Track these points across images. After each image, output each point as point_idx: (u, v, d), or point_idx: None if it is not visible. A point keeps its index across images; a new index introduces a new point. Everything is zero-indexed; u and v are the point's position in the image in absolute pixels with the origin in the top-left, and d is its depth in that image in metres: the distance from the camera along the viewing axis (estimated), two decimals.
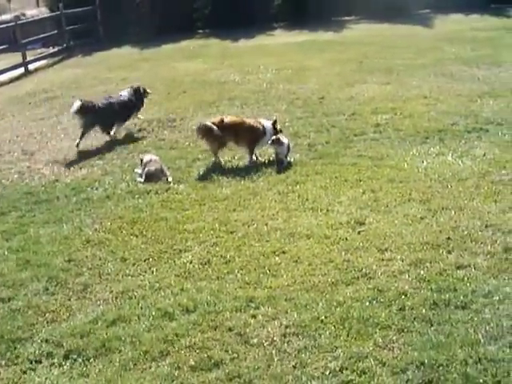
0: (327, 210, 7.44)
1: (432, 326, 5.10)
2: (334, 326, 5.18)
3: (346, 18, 28.24)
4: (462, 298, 5.43)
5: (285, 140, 9.17)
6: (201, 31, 27.95)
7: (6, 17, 54.84)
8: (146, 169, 9.07)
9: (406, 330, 5.07)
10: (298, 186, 8.27)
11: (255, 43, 22.87)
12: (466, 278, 5.73)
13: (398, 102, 12.12)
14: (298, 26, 25.82)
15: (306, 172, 8.77)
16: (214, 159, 9.55)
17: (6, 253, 7.16)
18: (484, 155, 8.93)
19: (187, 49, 22.59)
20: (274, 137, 9.24)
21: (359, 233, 6.81)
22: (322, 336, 5.09)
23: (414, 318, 5.20)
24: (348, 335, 5.06)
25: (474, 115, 10.89)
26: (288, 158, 9.19)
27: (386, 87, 13.61)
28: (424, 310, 5.29)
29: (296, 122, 11.27)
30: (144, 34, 27.52)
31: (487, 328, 5.00)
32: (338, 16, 28.12)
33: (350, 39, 21.94)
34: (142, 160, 9.30)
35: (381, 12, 26.40)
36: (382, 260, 6.19)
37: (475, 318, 5.14)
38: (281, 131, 9.54)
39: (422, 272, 5.89)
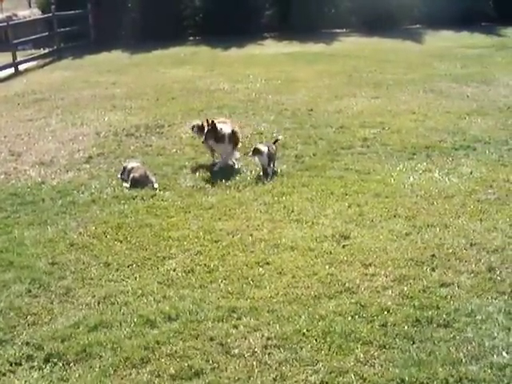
0: (312, 223, 7.45)
1: (414, 343, 5.10)
2: (316, 340, 5.17)
3: (337, 30, 28.41)
4: (444, 316, 5.43)
5: (264, 149, 9.14)
6: (191, 38, 28.00)
7: None
8: (131, 175, 9.05)
9: (387, 346, 5.07)
10: (283, 198, 8.27)
11: (245, 52, 22.95)
12: (449, 296, 5.74)
13: (387, 117, 12.18)
14: (288, 36, 25.92)
15: (292, 184, 8.78)
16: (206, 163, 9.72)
17: None
18: (471, 173, 8.97)
19: (177, 55, 22.61)
20: (253, 147, 9.28)
21: (344, 247, 6.82)
22: (304, 349, 5.08)
23: (396, 335, 5.20)
24: (329, 349, 5.05)
25: (461, 133, 10.95)
26: (272, 167, 9.18)
27: (374, 101, 13.68)
28: (406, 327, 5.29)
29: (284, 132, 11.26)
30: (134, 38, 27.60)
31: (469, 347, 5.01)
32: (328, 28, 28.27)
33: (339, 52, 22.03)
34: (125, 168, 9.28)
35: (370, 25, 26.62)
36: (366, 275, 6.20)
37: (457, 337, 5.15)
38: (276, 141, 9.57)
39: (405, 288, 5.90)
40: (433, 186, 8.52)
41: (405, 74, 16.80)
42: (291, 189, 8.58)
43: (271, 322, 5.47)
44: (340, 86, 15.44)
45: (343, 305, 5.67)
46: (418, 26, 28.75)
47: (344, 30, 28.58)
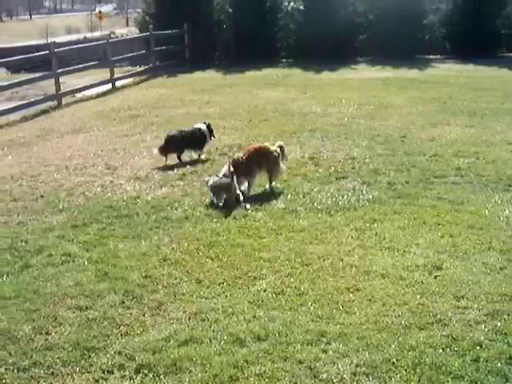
0: (404, 251, 7.39)
1: (507, 381, 4.97)
2: (406, 370, 5.12)
3: (431, 56, 28.15)
4: None
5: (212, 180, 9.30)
6: (284, 60, 28.21)
7: (96, 33, 56.65)
8: (216, 179, 9.29)
9: (479, 382, 4.96)
10: (375, 224, 8.24)
11: (338, 76, 22.99)
12: None
13: (482, 147, 11.98)
14: (381, 61, 25.88)
15: (384, 211, 8.74)
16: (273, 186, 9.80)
17: (86, 263, 7.36)
18: None
19: (270, 77, 22.82)
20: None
21: (435, 277, 6.73)
22: (393, 379, 5.04)
23: (489, 371, 5.08)
24: (419, 381, 4.99)
25: None
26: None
27: (469, 130, 13.47)
28: (499, 364, 5.16)
29: (376, 158, 11.26)
30: (228, 59, 28.05)
31: None
32: (422, 54, 28.07)
33: (433, 78, 21.83)
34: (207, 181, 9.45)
35: (465, 51, 26.32)
36: (458, 307, 6.10)
37: None
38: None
39: (498, 324, 5.77)
40: None
41: (501, 103, 16.51)
42: (383, 216, 8.54)
43: (360, 349, 5.44)
44: (433, 114, 15.29)
45: (434, 336, 5.60)
46: None
47: (438, 56, 28.31)
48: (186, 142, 11.81)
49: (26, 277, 7.07)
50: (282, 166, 9.87)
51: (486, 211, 8.62)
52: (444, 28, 28.72)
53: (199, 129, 11.98)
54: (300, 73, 24.18)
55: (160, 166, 11.37)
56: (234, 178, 9.16)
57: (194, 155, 11.97)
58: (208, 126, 12.03)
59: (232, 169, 9.24)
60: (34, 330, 5.93)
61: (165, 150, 11.60)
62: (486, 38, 26.57)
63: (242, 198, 9.16)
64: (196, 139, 11.88)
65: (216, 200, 9.19)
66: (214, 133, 12.23)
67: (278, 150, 9.80)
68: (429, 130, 13.50)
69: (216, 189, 9.24)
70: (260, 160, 9.63)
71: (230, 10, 28.66)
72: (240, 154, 9.77)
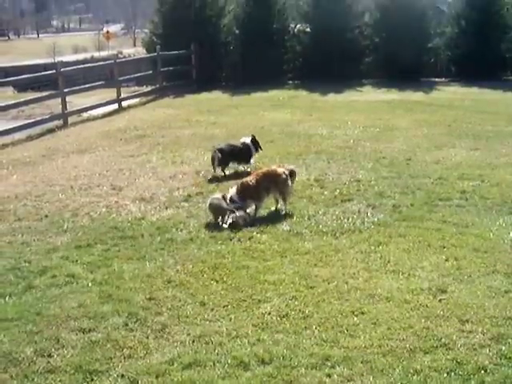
0: (409, 274, 7.37)
1: None
2: None
3: (436, 79, 28.23)
4: None
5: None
6: (290, 82, 28.30)
7: (103, 53, 56.99)
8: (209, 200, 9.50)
9: None
10: (380, 247, 8.23)
11: (344, 98, 23.02)
12: None
13: (486, 170, 11.98)
14: (387, 84, 25.93)
15: (389, 233, 8.73)
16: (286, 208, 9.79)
17: (90, 284, 7.35)
18: None
19: (276, 98, 22.88)
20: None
21: (440, 301, 6.71)
22: None
23: None
24: None
25: None
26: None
27: (474, 153, 13.48)
28: None
29: (381, 181, 11.27)
30: (235, 80, 28.16)
31: None
32: (427, 77, 28.17)
33: (439, 101, 21.86)
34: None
35: (470, 75, 26.42)
36: (463, 331, 6.07)
37: None
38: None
39: (503, 348, 5.75)
40: None
41: (505, 126, 16.53)
42: (388, 238, 8.53)
43: (365, 373, 5.42)
44: (439, 136, 15.30)
45: (439, 360, 5.58)
46: None
47: (443, 79, 28.40)
48: (231, 156, 12.13)
49: (29, 298, 7.06)
50: (291, 186, 9.88)
51: (491, 234, 8.61)
52: (449, 51, 28.81)
53: (244, 143, 12.29)
54: (306, 95, 24.24)
55: (166, 187, 11.36)
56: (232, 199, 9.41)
57: (241, 168, 12.32)
58: (253, 140, 12.32)
59: (239, 191, 9.43)
60: (35, 352, 5.91)
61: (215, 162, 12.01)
62: (490, 62, 26.66)
63: (230, 220, 9.17)
64: (242, 153, 12.21)
65: (215, 221, 9.29)
66: (261, 145, 12.52)
67: (286, 171, 9.81)
68: (434, 152, 13.51)
69: (210, 208, 9.38)
70: (268, 184, 9.65)
71: (237, 32, 28.81)
72: (249, 178, 9.80)
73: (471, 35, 27.02)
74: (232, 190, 9.61)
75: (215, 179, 11.79)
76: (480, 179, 11.30)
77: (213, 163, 12.00)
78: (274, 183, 9.66)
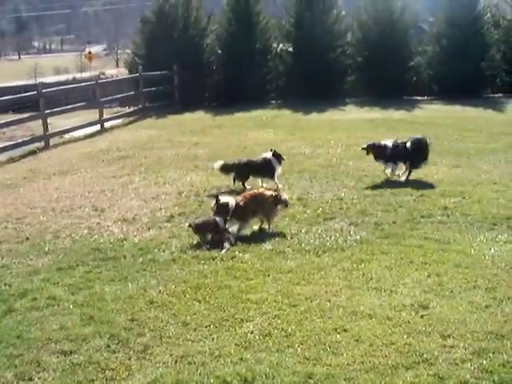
0: (391, 291, 7.38)
1: None
2: None
3: (418, 97, 28.46)
4: None
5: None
6: (273, 101, 28.43)
7: (86, 74, 56.98)
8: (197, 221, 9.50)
9: None
10: (362, 265, 8.23)
11: (327, 117, 23.16)
12: None
13: (468, 186, 12.05)
14: (369, 102, 26.19)
15: (371, 251, 8.74)
16: (271, 228, 9.79)
17: (71, 307, 7.29)
18: None
19: (259, 118, 22.95)
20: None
21: (422, 317, 6.71)
22: None
23: None
24: None
25: None
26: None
27: (455, 170, 13.58)
28: None
29: (364, 199, 11.31)
30: (217, 100, 28.27)
31: None
32: (409, 95, 28.41)
33: (421, 119, 22.05)
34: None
35: (451, 93, 26.64)
36: (444, 346, 6.08)
37: None
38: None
39: (484, 362, 5.75)
40: None
41: (486, 143, 16.67)
42: (370, 256, 8.54)
43: None
44: None
45: (421, 376, 5.57)
46: (499, 94, 28.64)
47: (425, 97, 28.64)
48: (251, 171, 12.50)
49: (9, 321, 6.99)
50: (277, 209, 9.90)
51: (472, 250, 8.65)
52: (430, 70, 29.07)
53: (265, 158, 12.49)
54: (289, 114, 24.36)
55: (148, 208, 11.34)
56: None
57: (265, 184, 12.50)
58: (274, 154, 12.50)
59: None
60: (16, 376, 5.86)
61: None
62: (471, 80, 26.93)
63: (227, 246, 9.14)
64: (263, 168, 12.44)
65: (200, 240, 9.26)
66: (283, 156, 12.76)
67: (274, 194, 9.82)
68: (416, 170, 13.54)
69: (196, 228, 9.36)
70: (256, 207, 9.66)
71: (220, 52, 28.96)
72: (237, 198, 9.77)
73: (452, 54, 27.34)
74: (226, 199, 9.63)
75: (197, 200, 11.76)
76: (461, 196, 11.36)
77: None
78: (261, 206, 9.68)
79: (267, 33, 29.20)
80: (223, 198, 9.62)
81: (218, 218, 9.37)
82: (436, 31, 29.20)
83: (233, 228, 9.57)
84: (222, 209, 9.45)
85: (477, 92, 27.69)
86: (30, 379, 5.80)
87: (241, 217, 9.60)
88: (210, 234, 9.26)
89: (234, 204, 9.53)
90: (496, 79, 29.17)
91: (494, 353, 5.93)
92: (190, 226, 9.38)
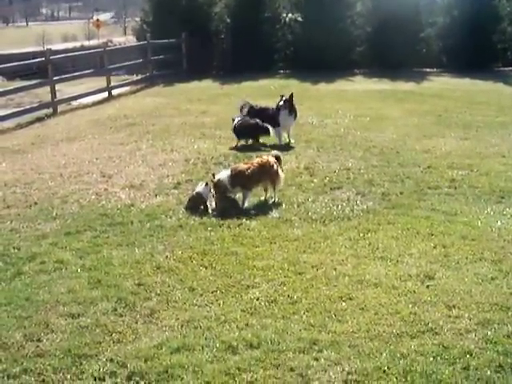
0: (397, 261, 7.41)
1: None
2: (396, 378, 5.14)
3: (427, 69, 28.29)
4: None
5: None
6: (281, 71, 28.28)
7: (93, 42, 56.82)
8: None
9: None
10: (369, 234, 8.27)
11: (335, 88, 23.04)
12: None
13: (475, 159, 12.03)
14: (378, 73, 26.03)
15: (378, 221, 8.76)
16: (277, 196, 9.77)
17: (79, 270, 7.36)
18: None
19: (267, 87, 22.80)
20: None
21: (428, 287, 6.75)
22: None
23: (478, 379, 5.10)
24: None
25: None
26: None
27: (463, 143, 13.54)
28: (489, 372, 5.18)
29: (371, 169, 11.31)
30: (225, 69, 28.13)
31: None
32: (419, 67, 28.22)
33: (430, 91, 21.92)
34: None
35: (461, 65, 26.48)
36: (449, 316, 6.12)
37: None
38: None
39: (489, 333, 5.79)
40: None
41: (496, 117, 16.60)
42: (377, 226, 8.57)
43: (352, 357, 5.46)
44: (429, 126, 15.36)
45: (425, 345, 5.62)
46: (510, 68, 28.43)
47: (435, 69, 28.45)
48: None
49: (18, 284, 7.06)
50: (282, 174, 9.83)
51: (479, 222, 8.66)
52: (441, 41, 28.81)
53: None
54: (297, 84, 24.19)
55: (155, 175, 11.36)
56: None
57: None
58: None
59: (232, 176, 9.43)
60: (25, 336, 5.92)
61: None
62: (482, 52, 26.68)
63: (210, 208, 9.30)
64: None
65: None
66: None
67: (275, 159, 9.79)
68: (424, 141, 13.56)
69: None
70: (261, 176, 9.59)
71: (228, 20, 28.75)
72: (244, 166, 9.67)
73: (463, 26, 27.00)
74: (224, 173, 9.55)
75: (204, 167, 11.77)
76: (469, 168, 11.34)
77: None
78: (267, 175, 9.62)
79: (276, 2, 28.95)
80: (218, 175, 9.55)
81: (201, 190, 9.39)
82: (447, 2, 28.86)
83: (238, 196, 9.58)
84: (217, 188, 9.44)
85: (487, 65, 27.48)
86: (39, 340, 5.86)
87: (245, 184, 9.55)
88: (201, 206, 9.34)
89: (228, 176, 9.45)
90: (507, 52, 28.92)
91: (498, 324, 5.96)
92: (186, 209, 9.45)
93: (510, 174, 11.01)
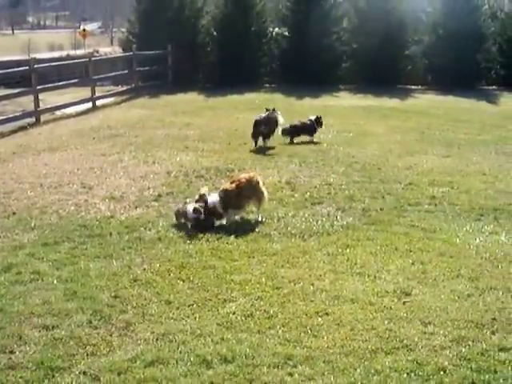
0: (374, 277, 7.41)
1: None
2: None
3: (412, 86, 28.48)
4: (502, 381, 5.31)
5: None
6: (267, 85, 28.37)
7: (80, 51, 56.70)
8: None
9: None
10: (347, 250, 8.26)
11: (320, 103, 23.11)
12: (507, 361, 5.60)
13: (456, 176, 12.09)
14: (363, 89, 26.20)
15: (357, 236, 8.77)
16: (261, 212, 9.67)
17: (55, 282, 7.29)
18: None
19: (252, 101, 22.87)
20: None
21: (404, 303, 6.75)
22: None
23: None
24: None
25: None
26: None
27: (445, 160, 13.61)
28: None
29: (352, 185, 11.32)
30: (211, 82, 28.18)
31: None
32: (403, 84, 28.41)
33: (414, 108, 22.09)
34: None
35: (445, 83, 26.67)
36: (425, 333, 6.12)
37: None
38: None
39: (463, 350, 5.80)
40: (498, 248, 8.37)
41: (478, 135, 16.72)
42: (356, 241, 8.57)
43: (326, 373, 5.44)
44: (412, 143, 15.44)
45: (400, 361, 5.61)
46: (494, 87, 28.68)
47: (420, 86, 28.67)
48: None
49: None
50: (265, 192, 9.73)
51: (457, 239, 8.69)
52: (426, 59, 29.04)
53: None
54: (282, 98, 24.28)
55: (136, 186, 11.32)
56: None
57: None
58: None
59: (222, 200, 9.29)
60: None
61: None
62: (466, 71, 26.95)
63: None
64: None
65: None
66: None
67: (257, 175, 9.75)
68: (406, 158, 13.61)
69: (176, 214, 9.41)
70: (250, 193, 9.46)
71: (215, 33, 28.83)
72: (231, 186, 9.48)
73: (448, 44, 27.27)
74: (213, 198, 9.38)
75: (186, 180, 11.75)
76: (450, 186, 11.39)
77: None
78: (254, 191, 9.51)
79: (263, 16, 29.13)
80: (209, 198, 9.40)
81: (187, 208, 9.26)
82: (433, 21, 29.08)
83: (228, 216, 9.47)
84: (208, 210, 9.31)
85: (471, 83, 27.70)
86: (11, 352, 5.79)
87: (237, 205, 9.43)
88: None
89: (218, 200, 9.30)
90: (491, 71, 29.19)
91: (473, 341, 5.97)
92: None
93: (489, 191, 11.06)
